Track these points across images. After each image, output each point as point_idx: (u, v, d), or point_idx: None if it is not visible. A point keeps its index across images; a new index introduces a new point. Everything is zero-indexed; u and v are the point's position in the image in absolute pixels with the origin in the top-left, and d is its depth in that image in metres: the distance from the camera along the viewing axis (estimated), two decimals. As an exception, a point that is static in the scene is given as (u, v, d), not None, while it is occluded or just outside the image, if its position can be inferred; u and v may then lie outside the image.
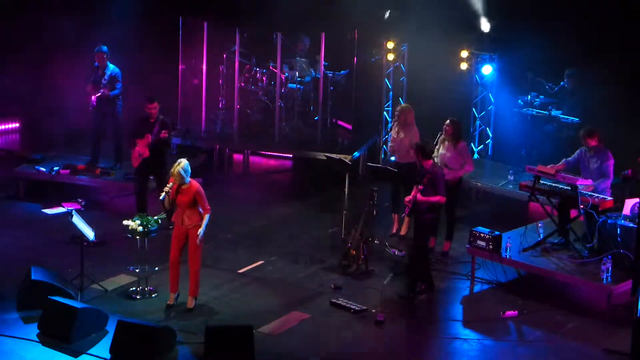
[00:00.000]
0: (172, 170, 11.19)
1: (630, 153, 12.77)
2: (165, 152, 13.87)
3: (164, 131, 13.42)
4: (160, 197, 11.37)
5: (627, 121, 14.78)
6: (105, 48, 15.11)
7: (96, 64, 15.14)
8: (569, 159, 12.70)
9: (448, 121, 13.30)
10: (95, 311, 10.78)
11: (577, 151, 12.69)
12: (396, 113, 14.06)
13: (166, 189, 11.29)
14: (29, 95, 17.61)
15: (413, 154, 12.19)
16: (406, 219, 13.60)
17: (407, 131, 13.71)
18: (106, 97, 14.99)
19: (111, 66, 15.12)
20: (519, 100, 15.74)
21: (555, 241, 12.51)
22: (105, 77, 15.04)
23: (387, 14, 16.53)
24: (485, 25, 16.27)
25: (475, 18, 16.30)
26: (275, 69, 17.09)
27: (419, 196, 11.70)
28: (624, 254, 11.62)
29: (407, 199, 11.88)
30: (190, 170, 11.25)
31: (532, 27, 15.60)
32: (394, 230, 14.01)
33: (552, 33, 15.59)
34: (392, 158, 14.31)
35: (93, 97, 15.00)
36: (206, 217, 11.19)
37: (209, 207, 11.24)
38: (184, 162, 11.24)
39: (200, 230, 11.15)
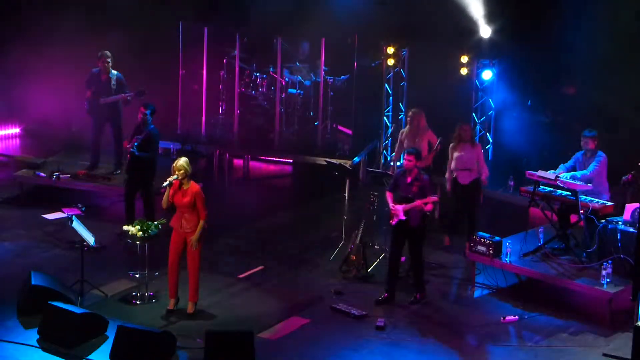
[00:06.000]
0: (175, 163, 11.10)
1: (630, 158, 12.76)
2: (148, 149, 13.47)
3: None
4: (164, 184, 11.14)
5: (628, 126, 14.79)
6: (108, 53, 15.06)
7: (97, 69, 15.06)
8: (566, 164, 12.69)
9: (463, 125, 13.47)
10: (95, 316, 10.76)
11: (573, 156, 12.69)
12: (408, 119, 14.09)
13: (170, 178, 11.14)
14: (29, 100, 17.60)
15: (410, 159, 11.66)
16: None
17: (423, 135, 13.75)
18: (124, 100, 14.94)
19: (114, 71, 15.06)
20: (519, 106, 15.74)
21: (556, 246, 12.51)
22: (113, 82, 14.98)
23: None
24: (485, 31, 16.27)
25: (476, 23, 16.31)
26: (275, 74, 17.11)
27: (416, 202, 11.57)
28: (624, 259, 11.62)
29: (399, 206, 11.64)
30: (190, 170, 11.22)
31: (532, 33, 15.60)
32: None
33: (552, 38, 15.61)
34: (398, 163, 14.22)
35: (101, 102, 14.92)
36: (201, 224, 11.12)
37: (206, 213, 11.14)
38: (183, 157, 11.22)
39: (193, 238, 11.11)
